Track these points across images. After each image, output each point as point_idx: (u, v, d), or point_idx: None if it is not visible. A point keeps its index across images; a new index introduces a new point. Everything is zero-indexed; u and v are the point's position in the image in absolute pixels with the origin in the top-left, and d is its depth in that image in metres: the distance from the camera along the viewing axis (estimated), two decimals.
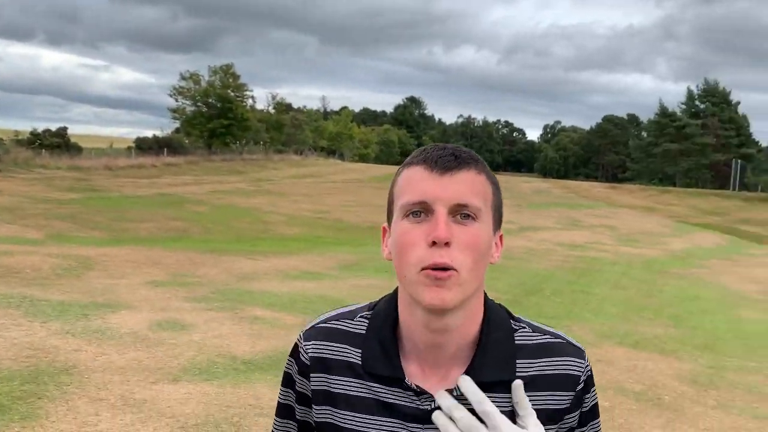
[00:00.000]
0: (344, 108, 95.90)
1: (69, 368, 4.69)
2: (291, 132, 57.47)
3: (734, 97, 64.39)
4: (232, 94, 46.33)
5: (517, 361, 0.96)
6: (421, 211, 0.90)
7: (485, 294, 0.98)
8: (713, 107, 60.96)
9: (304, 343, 1.02)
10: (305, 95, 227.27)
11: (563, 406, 0.97)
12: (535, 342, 0.98)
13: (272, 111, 55.94)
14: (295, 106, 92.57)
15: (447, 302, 0.87)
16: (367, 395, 0.97)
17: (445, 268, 0.87)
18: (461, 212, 0.89)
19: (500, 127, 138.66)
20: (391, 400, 0.95)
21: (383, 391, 0.96)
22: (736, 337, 8.25)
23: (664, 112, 62.86)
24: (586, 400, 1.00)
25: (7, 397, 4.08)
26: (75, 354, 5.02)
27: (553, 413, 0.96)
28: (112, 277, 8.44)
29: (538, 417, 0.93)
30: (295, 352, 1.04)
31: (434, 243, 0.87)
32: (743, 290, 11.91)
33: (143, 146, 44.23)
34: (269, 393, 4.56)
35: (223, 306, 7.26)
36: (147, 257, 10.20)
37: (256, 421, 4.04)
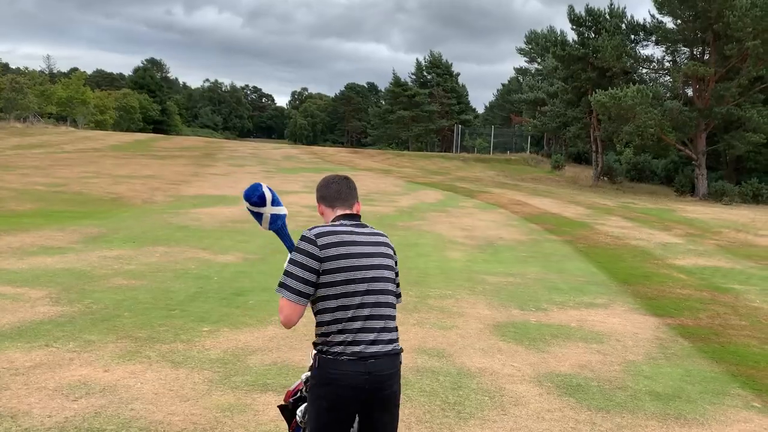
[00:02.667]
0: (75, 70, 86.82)
1: None
2: (11, 96, 50.83)
3: (455, 68, 72.62)
4: None
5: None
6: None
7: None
8: (438, 78, 67.99)
9: (307, 232, 2.44)
10: (24, 54, 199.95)
11: None
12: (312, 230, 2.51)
13: None
14: (12, 66, 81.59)
15: None
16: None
17: None
18: None
19: (249, 92, 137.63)
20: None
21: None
22: (441, 273, 10.14)
23: (397, 82, 68.41)
24: None
25: None
26: None
27: None
28: None
29: None
30: (303, 238, 2.43)
31: None
32: (452, 236, 14.30)
33: None
34: (21, 357, 4.82)
35: None
36: None
37: (14, 380, 4.34)
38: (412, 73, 71.00)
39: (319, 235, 2.39)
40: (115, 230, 12.02)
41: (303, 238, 2.40)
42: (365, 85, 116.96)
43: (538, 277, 9.95)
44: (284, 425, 3.97)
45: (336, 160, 40.09)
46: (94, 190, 18.52)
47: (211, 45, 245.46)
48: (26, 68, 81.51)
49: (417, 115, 65.52)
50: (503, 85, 71.11)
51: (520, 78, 57.75)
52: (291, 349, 5.38)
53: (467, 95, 72.46)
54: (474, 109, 75.58)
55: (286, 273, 2.37)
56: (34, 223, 12.78)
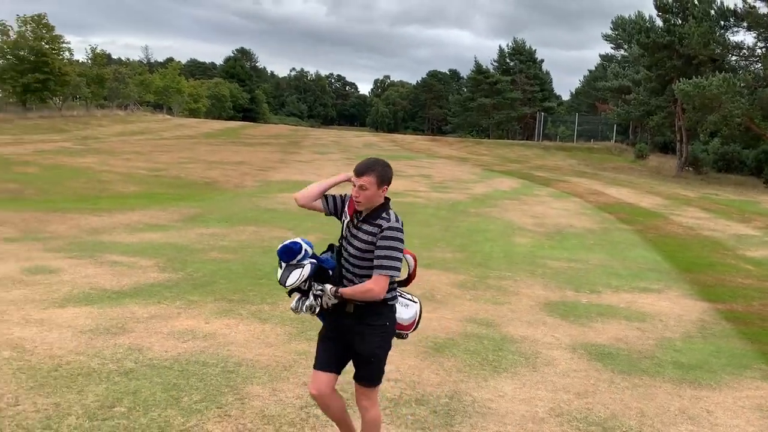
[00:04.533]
0: (170, 60, 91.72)
1: None
2: (114, 86, 54.61)
3: (539, 54, 71.53)
4: (47, 46, 43.09)
5: (379, 219, 2.96)
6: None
7: (387, 200, 3.04)
8: (521, 64, 67.30)
9: (399, 220, 3.07)
10: (123, 44, 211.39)
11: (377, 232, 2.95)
12: (382, 216, 2.96)
13: (89, 62, 52.61)
14: (114, 56, 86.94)
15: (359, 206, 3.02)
16: None
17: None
18: (360, 186, 2.94)
19: (333, 80, 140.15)
20: None
21: None
22: (504, 256, 10.74)
23: (479, 69, 68.24)
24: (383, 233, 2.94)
25: None
26: None
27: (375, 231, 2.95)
28: None
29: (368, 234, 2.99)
30: (401, 228, 3.05)
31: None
32: (522, 223, 14.80)
33: None
34: (140, 310, 5.92)
35: (81, 254, 8.28)
36: None
37: (137, 326, 5.43)
38: (495, 60, 70.62)
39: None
40: (210, 211, 13.33)
41: (400, 227, 2.96)
42: (447, 72, 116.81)
43: (600, 264, 10.38)
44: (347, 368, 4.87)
45: (415, 147, 40.85)
46: (190, 175, 20.17)
47: (296, 34, 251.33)
48: (128, 59, 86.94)
49: (498, 102, 65.19)
50: (589, 71, 69.43)
51: (606, 65, 56.32)
52: None
53: (551, 82, 71.39)
54: (558, 96, 74.33)
55: (395, 258, 2.89)
56: (139, 203, 14.32)
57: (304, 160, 29.51)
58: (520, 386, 4.58)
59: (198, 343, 4.96)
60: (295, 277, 2.86)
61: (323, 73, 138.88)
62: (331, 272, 3.02)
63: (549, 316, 6.78)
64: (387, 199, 3.00)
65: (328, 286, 2.91)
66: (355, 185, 2.95)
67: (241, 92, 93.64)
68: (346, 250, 3.01)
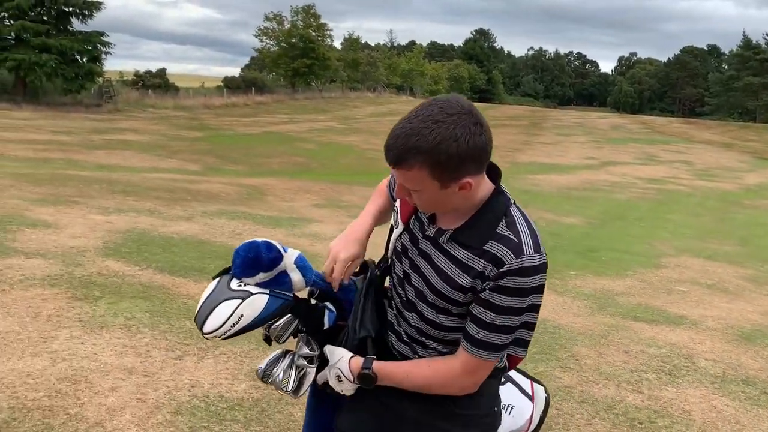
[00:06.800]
0: (412, 43, 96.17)
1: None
2: (366, 70, 59.01)
3: None
4: (314, 34, 48.13)
5: (490, 241, 1.33)
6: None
7: (498, 195, 1.40)
8: None
9: (541, 256, 1.36)
10: (368, 28, 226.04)
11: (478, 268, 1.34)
12: (502, 233, 1.34)
13: (340, 47, 57.45)
14: (360, 41, 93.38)
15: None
16: None
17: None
18: (404, 188, 1.36)
19: (572, 59, 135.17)
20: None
21: None
22: None
23: (747, 44, 60.77)
24: (494, 282, 1.31)
25: None
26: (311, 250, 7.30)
27: (467, 269, 1.35)
28: (285, 201, 10.79)
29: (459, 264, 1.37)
30: (543, 267, 1.34)
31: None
32: None
33: (231, 86, 47.00)
34: None
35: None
36: (298, 186, 12.53)
37: None
38: (767, 34, 62.24)
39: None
40: None
41: (543, 267, 1.34)
42: (705, 48, 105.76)
43: None
44: (662, 340, 5.05)
45: (668, 131, 38.09)
46: None
47: (535, 11, 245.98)
48: (377, 44, 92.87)
49: None
50: None
51: None
52: (651, 297, 6.38)
53: None
54: None
55: (511, 328, 1.35)
56: None
57: (547, 142, 29.33)
58: None
59: None
60: (222, 318, 1.37)
61: (562, 51, 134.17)
62: (332, 322, 1.57)
63: None
64: (498, 192, 1.42)
65: (343, 356, 1.47)
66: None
67: (478, 73, 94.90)
68: (398, 289, 1.52)
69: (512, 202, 1.42)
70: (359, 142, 23.77)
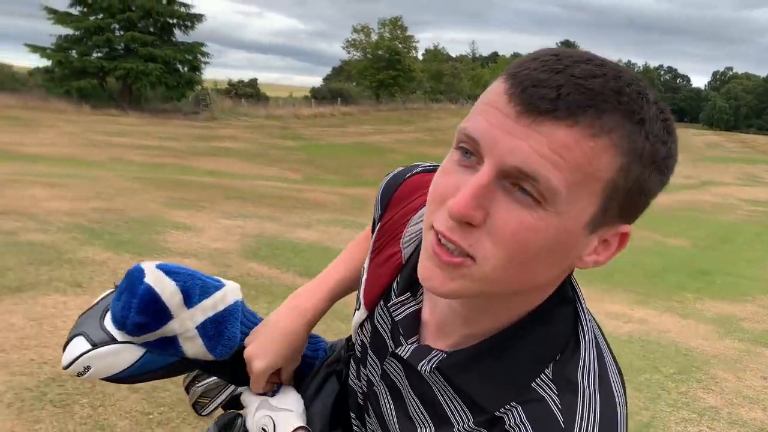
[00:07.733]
0: (495, 54, 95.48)
1: None
2: (449, 81, 59.16)
3: None
4: (400, 45, 48.78)
5: (514, 402, 0.64)
6: (471, 151, 0.60)
7: (561, 303, 0.67)
8: None
9: (621, 412, 0.64)
10: (449, 39, 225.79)
11: None
12: (543, 391, 0.63)
13: (421, 58, 57.77)
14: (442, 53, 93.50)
15: (439, 290, 0.61)
16: None
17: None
18: (520, 185, 0.56)
19: (662, 73, 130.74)
20: None
21: None
22: None
23: None
24: None
25: None
26: None
27: None
28: None
29: None
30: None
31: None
32: None
33: (317, 96, 48.27)
34: None
35: None
36: None
37: None
38: None
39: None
40: None
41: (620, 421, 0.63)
42: None
43: None
44: None
45: None
46: None
47: (621, 22, 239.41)
48: (459, 55, 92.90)
49: None
50: None
51: None
52: None
53: None
54: None
55: None
56: None
57: None
58: None
59: (636, 326, 5.56)
60: (69, 357, 0.86)
61: (652, 64, 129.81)
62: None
63: None
64: (563, 296, 0.68)
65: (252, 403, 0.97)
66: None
67: None
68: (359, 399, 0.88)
69: (586, 320, 0.69)
70: (445, 154, 23.87)
